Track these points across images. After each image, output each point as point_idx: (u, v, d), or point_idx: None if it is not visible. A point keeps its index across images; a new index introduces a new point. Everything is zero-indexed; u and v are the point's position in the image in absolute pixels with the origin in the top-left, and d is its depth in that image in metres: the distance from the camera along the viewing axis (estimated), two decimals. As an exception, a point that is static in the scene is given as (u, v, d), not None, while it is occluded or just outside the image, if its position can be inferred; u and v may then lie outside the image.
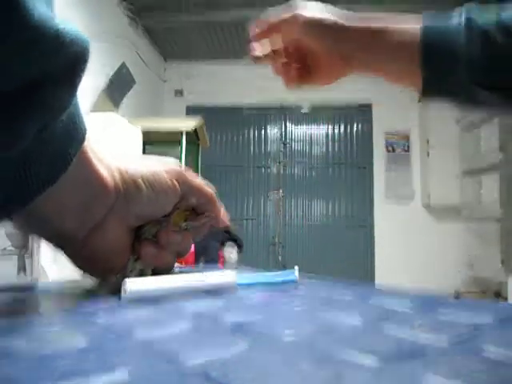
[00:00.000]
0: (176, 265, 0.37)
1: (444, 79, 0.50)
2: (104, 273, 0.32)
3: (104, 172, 0.29)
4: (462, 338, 0.18)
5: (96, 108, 2.91)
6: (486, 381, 0.13)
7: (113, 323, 0.21)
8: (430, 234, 4.66)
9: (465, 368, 0.14)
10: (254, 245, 4.80)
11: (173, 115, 4.70)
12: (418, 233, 4.67)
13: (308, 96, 4.87)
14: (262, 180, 5.02)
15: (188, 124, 3.49)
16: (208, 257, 2.62)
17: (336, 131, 5.03)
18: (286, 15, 0.53)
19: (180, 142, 3.40)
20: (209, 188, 0.36)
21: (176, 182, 0.33)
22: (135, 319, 0.22)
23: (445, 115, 4.38)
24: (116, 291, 0.28)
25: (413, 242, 4.65)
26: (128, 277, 0.31)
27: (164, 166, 0.33)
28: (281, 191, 4.90)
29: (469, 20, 0.48)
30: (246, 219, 4.93)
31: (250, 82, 4.98)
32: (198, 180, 0.36)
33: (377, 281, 4.63)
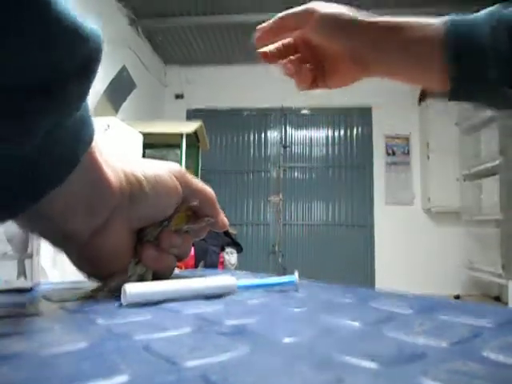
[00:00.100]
0: (176, 269, 0.37)
1: (475, 77, 0.44)
2: (105, 275, 0.32)
3: (110, 173, 0.28)
4: (462, 342, 0.18)
5: (96, 112, 2.91)
6: (486, 384, 0.13)
7: (113, 326, 0.21)
8: (430, 237, 4.65)
9: (465, 371, 0.14)
10: (253, 249, 4.79)
11: (173, 119, 4.71)
12: (419, 236, 4.67)
13: (308, 98, 4.90)
14: (261, 184, 5.02)
15: (188, 127, 3.50)
16: (208, 261, 2.62)
17: (336, 134, 5.03)
18: (299, 9, 0.50)
19: (180, 146, 3.41)
20: (209, 190, 0.36)
21: (178, 184, 0.33)
22: (135, 322, 0.22)
23: (445, 118, 4.39)
24: (116, 294, 0.28)
25: (413, 246, 4.65)
26: (129, 281, 0.31)
27: (166, 168, 0.33)
28: (281, 195, 4.90)
29: (496, 14, 0.44)
30: (246, 224, 4.93)
31: (250, 86, 4.99)
32: (199, 182, 0.36)
33: (377, 284, 4.62)
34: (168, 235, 0.33)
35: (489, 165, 3.83)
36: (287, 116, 5.08)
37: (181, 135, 3.41)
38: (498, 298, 4.08)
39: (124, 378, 0.13)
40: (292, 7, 0.52)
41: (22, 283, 0.35)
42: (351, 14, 0.48)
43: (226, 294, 0.31)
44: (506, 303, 3.46)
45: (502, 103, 0.48)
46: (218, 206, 0.37)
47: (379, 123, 4.87)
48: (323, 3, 0.50)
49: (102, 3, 3.29)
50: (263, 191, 5.00)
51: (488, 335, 0.19)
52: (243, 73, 5.06)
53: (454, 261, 4.46)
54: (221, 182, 4.78)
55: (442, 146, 4.50)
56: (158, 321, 0.22)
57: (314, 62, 0.53)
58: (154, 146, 3.47)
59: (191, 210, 0.35)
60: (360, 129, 4.99)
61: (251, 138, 5.12)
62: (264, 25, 0.53)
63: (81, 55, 0.20)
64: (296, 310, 0.25)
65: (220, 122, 5.00)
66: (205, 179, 0.37)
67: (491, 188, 3.84)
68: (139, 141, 3.02)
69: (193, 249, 2.63)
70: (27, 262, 0.36)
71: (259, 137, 5.12)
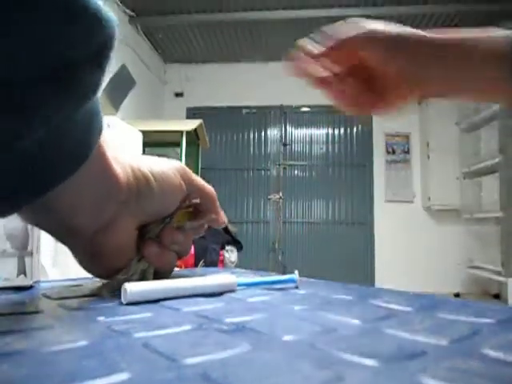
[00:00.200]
0: (176, 268, 0.37)
1: None
2: (108, 272, 0.32)
3: (117, 168, 0.28)
4: (461, 339, 0.18)
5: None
6: (485, 382, 0.13)
7: (113, 324, 0.21)
8: (430, 235, 4.66)
9: (464, 369, 0.14)
10: (253, 247, 4.79)
11: (173, 117, 4.71)
12: (419, 234, 4.67)
13: (308, 96, 4.90)
14: (261, 182, 5.02)
15: (188, 125, 3.50)
16: (208, 259, 2.62)
17: (336, 132, 5.03)
18: (349, 30, 0.46)
19: (180, 144, 3.41)
20: (210, 188, 0.36)
21: (182, 182, 0.33)
22: (135, 320, 0.22)
23: (444, 117, 4.39)
24: (117, 293, 0.28)
25: (413, 244, 4.65)
26: (130, 279, 0.31)
27: (170, 165, 0.33)
28: (281, 193, 4.90)
29: None
30: (246, 222, 4.93)
31: (250, 84, 4.99)
32: (200, 180, 0.36)
33: (377, 282, 4.63)
34: (170, 232, 0.33)
35: (488, 163, 3.83)
36: (287, 114, 5.07)
37: (181, 133, 3.41)
38: (497, 296, 4.09)
39: (124, 375, 0.13)
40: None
41: (21, 281, 0.35)
42: (407, 31, 0.45)
43: (226, 292, 0.31)
44: (506, 301, 3.46)
45: None
46: (217, 204, 0.37)
47: (379, 121, 4.87)
48: (370, 21, 0.46)
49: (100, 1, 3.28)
50: (263, 189, 5.00)
51: (488, 333, 0.19)
52: (243, 71, 5.06)
53: (453, 259, 4.47)
54: (221, 180, 4.78)
55: (442, 144, 4.50)
56: (158, 319, 0.22)
57: (360, 84, 0.48)
58: (154, 144, 3.47)
59: (193, 207, 0.36)
60: (360, 127, 4.99)
61: (251, 136, 5.12)
62: (312, 54, 0.47)
63: (96, 41, 0.19)
64: (296, 307, 0.25)
65: (220, 120, 5.00)
66: (205, 177, 0.37)
67: (491, 186, 3.84)
68: (139, 139, 3.01)
69: (193, 247, 2.64)
70: (27, 260, 0.36)
71: (259, 135, 5.12)
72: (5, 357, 0.15)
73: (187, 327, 0.20)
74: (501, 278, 3.58)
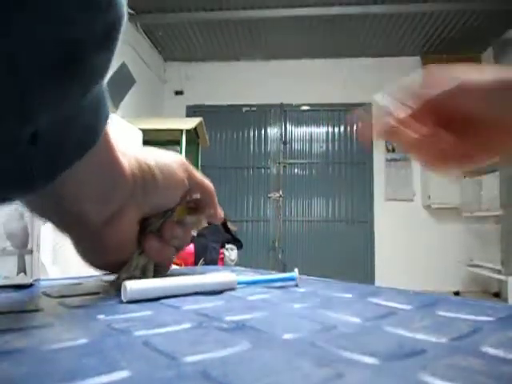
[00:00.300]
0: (175, 266, 0.38)
1: None
2: (110, 266, 0.32)
3: (124, 160, 0.28)
4: (461, 337, 0.18)
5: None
6: (485, 380, 0.13)
7: (113, 322, 0.21)
8: (430, 233, 4.66)
9: (464, 367, 0.14)
10: (253, 246, 4.80)
11: (173, 115, 4.70)
12: (419, 233, 4.67)
13: (308, 94, 4.90)
14: (261, 180, 5.02)
15: (188, 123, 3.50)
16: (208, 257, 2.62)
17: (336, 130, 5.03)
18: (436, 84, 0.41)
19: (180, 142, 3.41)
20: (209, 183, 0.37)
21: (185, 176, 0.33)
22: (135, 318, 0.22)
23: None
24: (117, 291, 0.28)
25: (413, 242, 4.65)
26: (132, 273, 0.31)
27: (174, 158, 0.34)
28: (281, 192, 4.90)
29: None
30: (246, 220, 4.93)
31: (250, 82, 4.99)
32: (200, 175, 0.36)
33: (377, 280, 4.63)
34: (170, 226, 0.34)
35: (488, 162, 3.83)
36: (287, 112, 5.07)
37: (180, 132, 3.40)
38: (497, 294, 4.10)
39: (124, 373, 0.13)
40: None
41: (22, 279, 0.35)
42: (502, 74, 0.40)
43: (226, 290, 0.31)
44: (506, 299, 3.47)
45: None
46: (216, 199, 0.38)
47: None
48: (453, 69, 0.41)
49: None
50: (263, 187, 5.00)
51: (487, 331, 0.19)
52: (243, 69, 5.05)
53: (453, 257, 4.47)
54: (221, 179, 4.77)
55: (442, 142, 4.49)
56: (158, 317, 0.22)
57: (452, 137, 0.43)
58: (154, 142, 3.46)
59: (193, 201, 0.36)
60: (360, 125, 4.98)
61: (251, 135, 5.12)
62: (397, 118, 0.42)
63: (104, 22, 0.18)
64: (296, 305, 0.25)
65: (220, 118, 4.99)
66: (205, 176, 0.37)
67: (491, 184, 3.84)
68: (139, 138, 3.01)
69: (193, 246, 2.64)
70: (27, 258, 0.36)
71: (259, 133, 5.12)
72: (5, 355, 0.15)
73: (187, 325, 0.20)
74: (501, 277, 3.59)
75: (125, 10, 0.19)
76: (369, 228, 4.82)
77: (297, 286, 0.33)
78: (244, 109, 5.10)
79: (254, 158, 5.07)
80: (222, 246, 2.91)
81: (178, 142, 3.42)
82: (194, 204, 0.36)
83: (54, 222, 0.28)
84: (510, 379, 0.13)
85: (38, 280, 0.37)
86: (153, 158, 0.31)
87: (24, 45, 0.16)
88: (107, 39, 0.19)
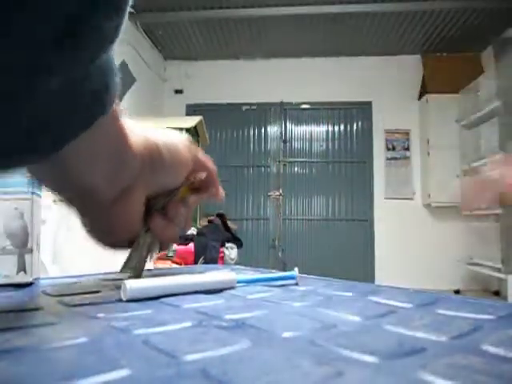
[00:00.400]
0: (175, 265, 0.38)
1: None
2: (117, 243, 0.32)
3: (133, 138, 0.28)
4: (461, 336, 0.18)
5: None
6: (485, 378, 0.13)
7: (113, 321, 0.21)
8: (430, 232, 4.66)
9: (464, 365, 0.14)
10: (253, 244, 4.80)
11: (173, 114, 4.70)
12: (419, 232, 4.67)
13: (308, 93, 4.89)
14: (261, 179, 5.02)
15: (188, 122, 3.50)
16: (208, 256, 2.62)
17: (336, 129, 5.02)
18: None
19: (180, 141, 3.40)
20: (211, 163, 0.38)
21: (189, 156, 0.34)
22: (135, 317, 0.22)
23: (445, 114, 4.39)
24: (117, 289, 0.28)
25: (413, 241, 4.65)
26: (141, 254, 0.31)
27: (179, 138, 0.34)
28: (280, 190, 4.90)
29: None
30: (246, 219, 4.93)
31: (250, 81, 4.98)
32: (203, 154, 0.37)
33: (377, 279, 4.63)
34: (175, 205, 0.34)
35: (489, 160, 3.83)
36: (287, 111, 5.07)
37: (180, 130, 3.41)
38: (497, 293, 4.10)
39: (124, 372, 0.13)
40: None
41: (21, 278, 0.35)
42: None
43: (225, 288, 0.31)
44: (506, 298, 3.47)
45: None
46: (217, 178, 0.38)
47: (379, 118, 4.86)
48: None
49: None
50: (263, 186, 4.99)
51: (488, 329, 0.19)
52: (243, 67, 5.05)
53: (453, 255, 4.47)
54: (221, 177, 4.76)
55: (442, 141, 4.49)
56: (158, 315, 0.22)
57: None
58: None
59: (196, 181, 0.36)
60: (360, 124, 4.98)
61: (251, 133, 5.11)
62: None
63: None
64: (296, 304, 0.25)
65: (220, 117, 4.99)
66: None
67: (491, 183, 3.83)
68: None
69: (193, 245, 2.64)
70: (27, 257, 0.36)
71: (259, 132, 5.11)
72: (5, 354, 0.15)
73: (187, 324, 0.20)
74: (501, 275, 3.59)
75: None
76: (369, 227, 4.82)
77: (297, 284, 0.33)
78: (244, 107, 5.09)
79: (254, 156, 5.07)
80: (222, 245, 2.91)
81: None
82: (197, 184, 0.37)
83: (64, 196, 0.28)
84: (510, 378, 0.13)
85: (37, 279, 0.37)
86: (160, 137, 0.32)
87: (24, 45, 0.16)
88: (116, 0, 0.18)
